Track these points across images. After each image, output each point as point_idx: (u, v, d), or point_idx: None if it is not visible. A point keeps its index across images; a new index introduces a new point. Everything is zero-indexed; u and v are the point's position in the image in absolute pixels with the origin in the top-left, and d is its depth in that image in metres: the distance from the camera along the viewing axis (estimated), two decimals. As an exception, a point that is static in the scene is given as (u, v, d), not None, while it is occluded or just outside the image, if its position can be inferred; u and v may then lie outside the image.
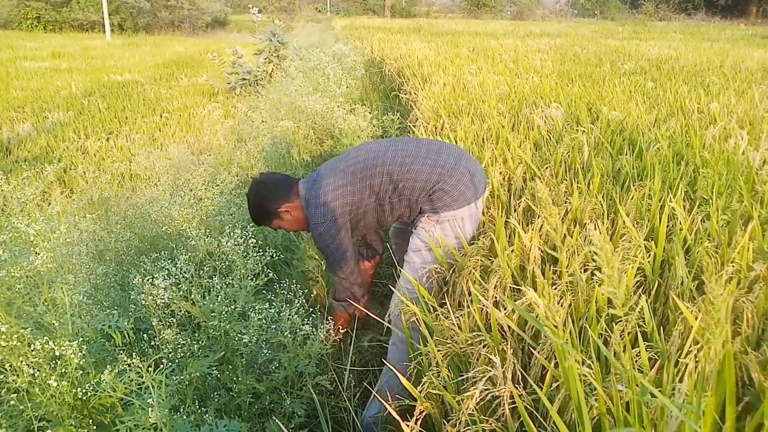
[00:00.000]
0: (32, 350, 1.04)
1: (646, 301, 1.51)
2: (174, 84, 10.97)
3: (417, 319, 1.89)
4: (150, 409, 1.01)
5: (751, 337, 1.49)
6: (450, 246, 2.04)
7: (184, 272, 1.51)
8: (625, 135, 3.33)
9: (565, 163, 2.80)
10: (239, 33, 27.54)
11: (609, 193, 2.35)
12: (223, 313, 1.45)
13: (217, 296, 1.46)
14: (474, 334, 1.44)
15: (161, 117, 7.96)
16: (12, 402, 1.05)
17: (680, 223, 1.93)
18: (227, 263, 1.64)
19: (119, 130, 7.23)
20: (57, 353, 1.04)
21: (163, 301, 1.43)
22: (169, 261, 1.56)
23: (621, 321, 1.40)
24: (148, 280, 1.48)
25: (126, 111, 8.39)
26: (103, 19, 23.26)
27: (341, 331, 2.28)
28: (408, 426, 1.24)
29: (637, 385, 1.10)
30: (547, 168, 2.73)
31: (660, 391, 1.15)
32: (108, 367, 1.08)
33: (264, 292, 1.80)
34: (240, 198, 2.93)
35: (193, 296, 1.48)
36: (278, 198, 2.17)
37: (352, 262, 2.17)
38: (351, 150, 2.29)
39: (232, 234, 1.62)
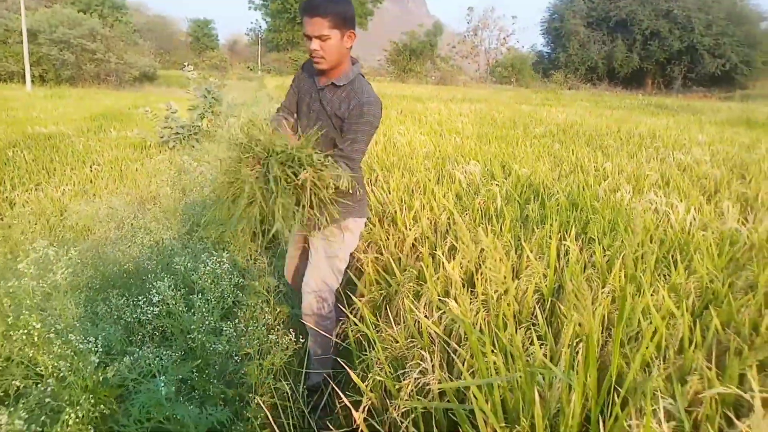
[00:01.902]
0: (57, 346, 1.26)
1: (542, 313, 1.91)
2: (103, 137, 10.87)
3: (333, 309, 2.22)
4: (162, 384, 1.24)
5: (620, 339, 1.91)
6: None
7: (171, 292, 1.74)
8: (533, 188, 3.87)
9: (481, 210, 3.26)
10: (168, 87, 27.47)
11: (517, 233, 2.80)
12: (201, 325, 1.69)
13: (194, 314, 1.70)
14: (409, 341, 1.77)
15: (91, 169, 7.93)
16: (50, 388, 1.24)
17: (572, 257, 2.39)
18: (202, 287, 1.89)
19: (48, 182, 7.16)
20: (81, 347, 1.26)
21: (146, 318, 1.66)
22: (155, 283, 1.79)
23: (521, 328, 1.78)
24: (133, 301, 1.71)
25: (54, 163, 8.28)
26: (23, 69, 22.66)
27: None
28: (358, 414, 1.53)
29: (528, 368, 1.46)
30: (467, 214, 3.17)
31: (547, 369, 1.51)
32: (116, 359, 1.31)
33: (235, 310, 2.03)
34: (194, 243, 3.13)
35: (177, 310, 1.71)
36: (354, 20, 2.04)
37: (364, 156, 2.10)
38: None
39: (207, 261, 1.89)
